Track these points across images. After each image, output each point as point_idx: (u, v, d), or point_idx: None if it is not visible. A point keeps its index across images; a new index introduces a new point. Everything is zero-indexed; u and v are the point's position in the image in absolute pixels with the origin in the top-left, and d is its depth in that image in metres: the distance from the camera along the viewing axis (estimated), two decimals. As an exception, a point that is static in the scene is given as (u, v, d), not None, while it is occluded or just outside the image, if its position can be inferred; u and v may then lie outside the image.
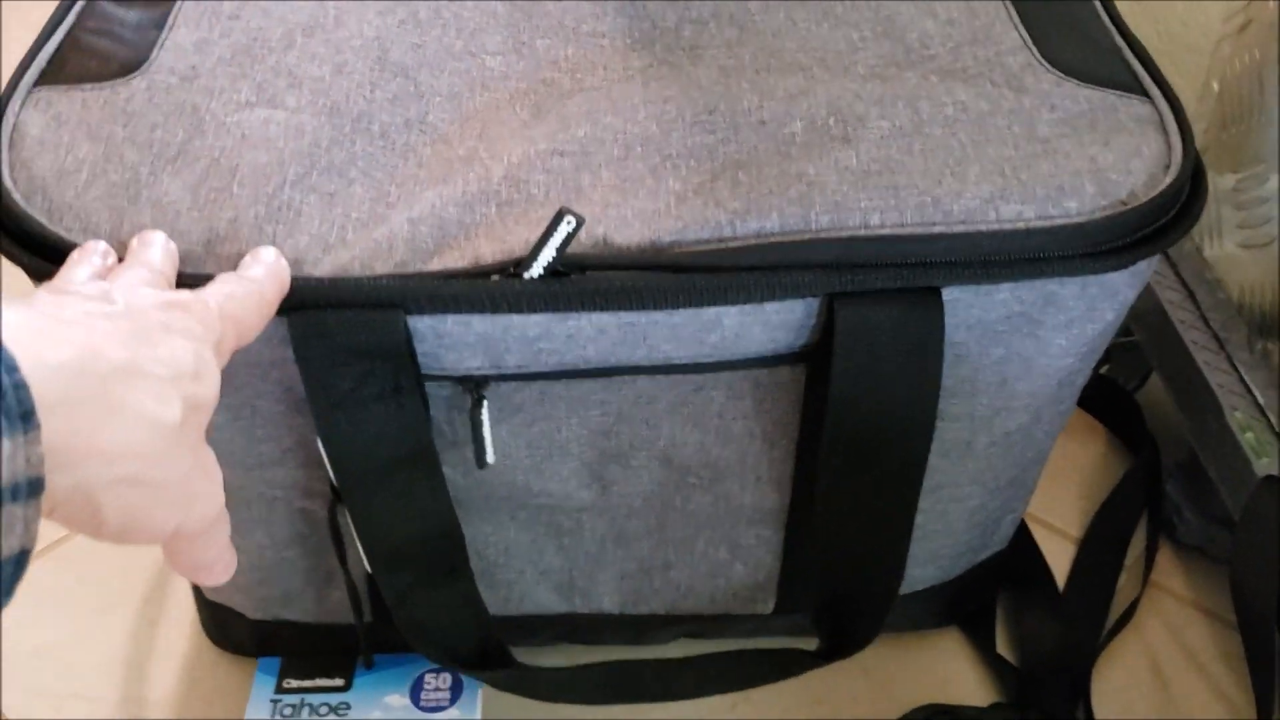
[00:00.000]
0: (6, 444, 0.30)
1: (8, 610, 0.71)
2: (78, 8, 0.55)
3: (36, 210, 0.47)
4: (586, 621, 0.64)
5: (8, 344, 0.31)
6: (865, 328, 0.46)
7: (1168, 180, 0.47)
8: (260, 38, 0.55)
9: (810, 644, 0.70)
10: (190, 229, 0.47)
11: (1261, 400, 0.71)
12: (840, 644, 0.58)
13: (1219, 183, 0.76)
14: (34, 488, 0.31)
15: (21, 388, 0.31)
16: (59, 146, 0.49)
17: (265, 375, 0.50)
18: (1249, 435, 0.70)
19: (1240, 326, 0.75)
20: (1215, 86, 0.76)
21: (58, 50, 0.53)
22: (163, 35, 0.55)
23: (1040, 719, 0.65)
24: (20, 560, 0.31)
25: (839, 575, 0.54)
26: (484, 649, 0.57)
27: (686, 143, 0.50)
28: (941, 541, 0.61)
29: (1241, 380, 0.73)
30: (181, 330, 0.39)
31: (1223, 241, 0.76)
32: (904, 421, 0.48)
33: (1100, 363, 0.86)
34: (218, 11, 0.56)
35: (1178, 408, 0.76)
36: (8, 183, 0.48)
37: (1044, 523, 0.80)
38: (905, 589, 0.64)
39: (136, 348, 0.36)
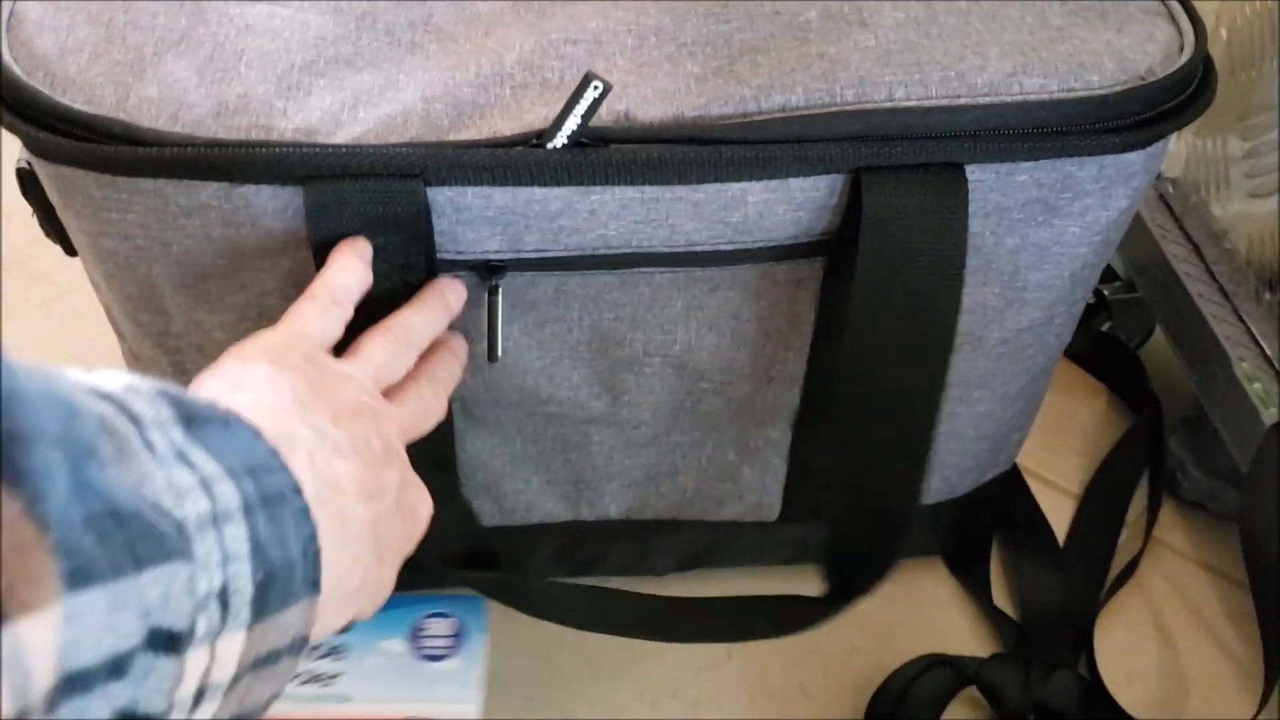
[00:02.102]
0: (304, 607, 0.35)
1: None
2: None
3: (39, 84, 0.49)
4: (591, 530, 0.66)
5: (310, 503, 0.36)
6: (892, 203, 0.50)
7: (1184, 59, 0.52)
8: (257, -58, 0.58)
9: (818, 569, 0.74)
10: (199, 103, 0.49)
11: (1269, 351, 0.76)
12: (848, 583, 0.61)
13: (1227, 130, 0.81)
14: (303, 644, 0.36)
15: (318, 555, 0.35)
16: (59, 29, 0.52)
17: (275, 267, 0.52)
18: (1257, 385, 0.75)
19: (1247, 278, 0.79)
20: (1224, 34, 0.81)
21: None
22: (158, -66, 0.58)
23: (1043, 670, 0.68)
24: (270, 703, 0.36)
25: (856, 479, 0.57)
26: (472, 550, 0.59)
27: (702, 31, 0.54)
28: (948, 446, 0.64)
29: (1248, 331, 0.78)
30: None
31: (1231, 199, 0.81)
32: (929, 300, 0.51)
33: (1103, 320, 0.91)
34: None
35: (1183, 361, 0.81)
36: (8, 59, 0.50)
37: (1044, 479, 0.83)
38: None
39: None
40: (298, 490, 0.35)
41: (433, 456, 0.57)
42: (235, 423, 0.35)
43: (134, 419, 0.31)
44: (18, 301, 0.93)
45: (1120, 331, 0.91)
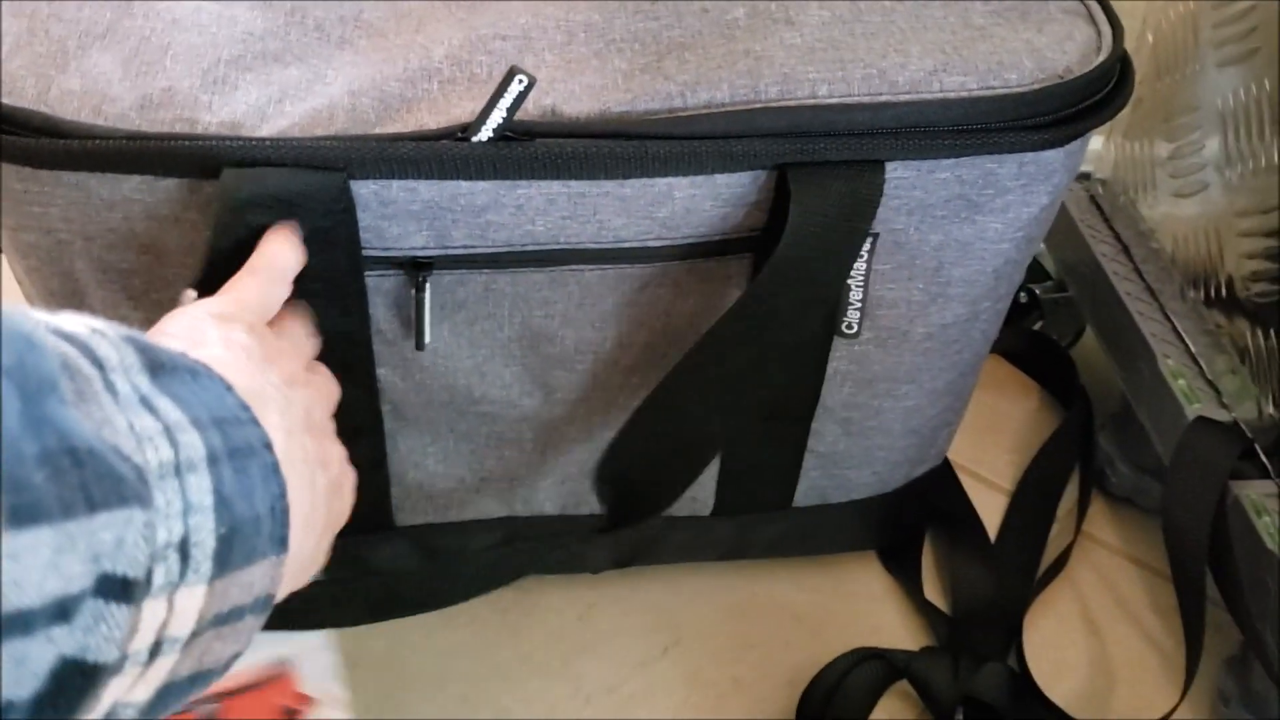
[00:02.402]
0: (270, 565, 0.34)
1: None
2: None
3: (-43, 75, 0.49)
4: (525, 525, 0.66)
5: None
6: (818, 198, 0.50)
7: (1100, 58, 0.52)
8: (187, -63, 0.58)
9: (753, 565, 0.75)
10: (123, 95, 0.49)
11: (1193, 348, 0.77)
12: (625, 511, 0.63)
13: (1153, 131, 0.83)
14: (269, 602, 0.35)
15: (286, 512, 0.35)
16: (-21, 22, 0.51)
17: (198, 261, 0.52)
18: (1181, 382, 0.76)
19: (1172, 278, 0.81)
20: (1150, 38, 0.83)
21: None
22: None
23: (973, 662, 0.69)
24: (232, 662, 0.35)
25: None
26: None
27: (630, 28, 0.54)
28: (877, 441, 0.65)
29: (1174, 329, 0.79)
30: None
31: (1158, 200, 0.83)
32: (824, 284, 0.53)
33: (1035, 319, 0.92)
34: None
35: (1111, 358, 0.82)
36: (-75, 51, 0.49)
37: (976, 475, 0.84)
38: (843, 496, 0.68)
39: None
40: (268, 445, 0.35)
41: (364, 457, 0.57)
42: (204, 374, 0.34)
43: (98, 362, 0.30)
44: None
45: (1052, 330, 0.93)
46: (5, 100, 0.48)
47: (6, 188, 0.49)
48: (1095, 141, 0.91)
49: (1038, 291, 0.93)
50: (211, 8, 0.54)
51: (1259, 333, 0.71)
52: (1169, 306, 0.80)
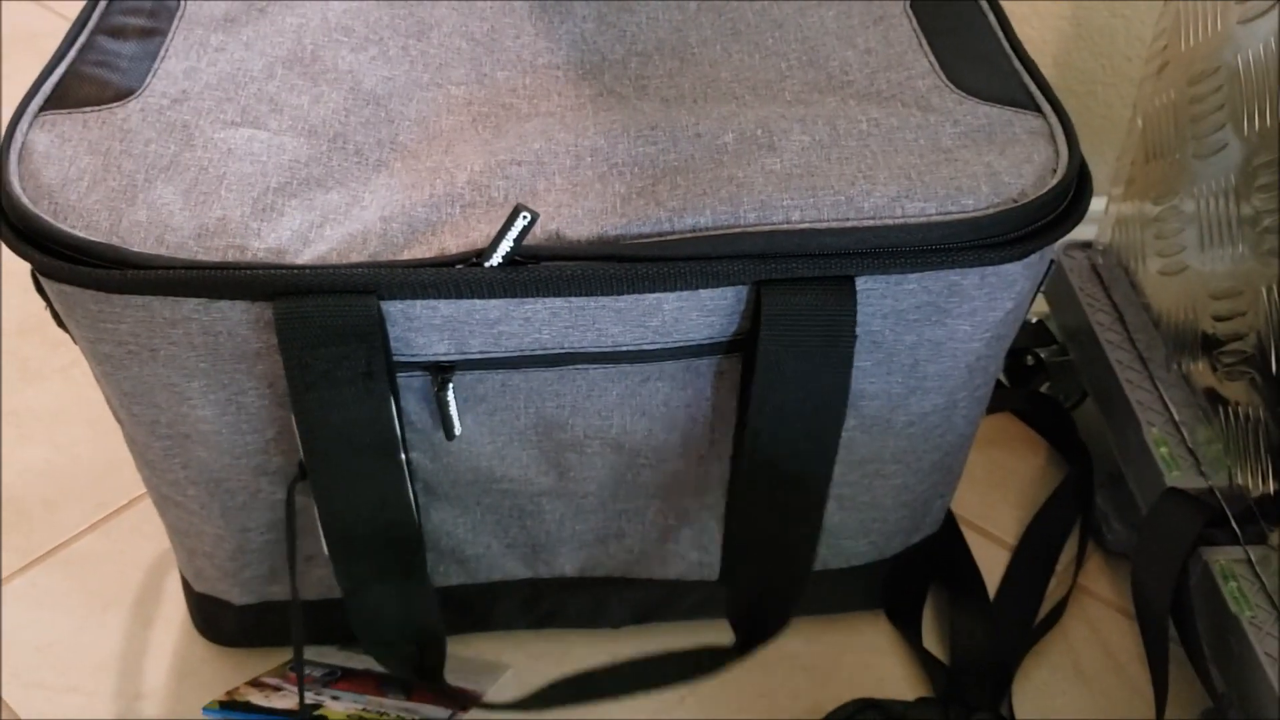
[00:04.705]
0: None
1: (11, 611, 0.79)
2: (79, 43, 0.64)
3: (43, 211, 0.55)
4: (547, 586, 0.72)
5: None
6: (788, 311, 0.55)
7: (1054, 181, 0.56)
8: (244, 68, 0.64)
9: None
10: (183, 225, 0.55)
11: (1177, 417, 0.80)
12: (752, 634, 0.66)
13: (1144, 209, 0.85)
14: None
15: None
16: (63, 160, 0.57)
17: (250, 369, 0.57)
18: (1164, 450, 0.79)
19: (1161, 346, 0.84)
20: (1139, 122, 0.86)
21: (60, 80, 0.62)
22: (155, 64, 0.63)
23: (962, 713, 0.72)
24: None
25: (759, 553, 0.62)
26: (422, 660, 0.65)
27: (631, 153, 0.59)
28: (871, 515, 0.69)
29: (1160, 398, 0.82)
30: None
31: (1146, 266, 0.86)
32: (820, 396, 0.56)
33: (1041, 380, 0.95)
34: (205, 44, 0.65)
35: (1105, 422, 0.85)
36: (17, 190, 0.56)
37: (981, 530, 0.88)
38: (842, 563, 0.72)
39: None
40: None
41: (395, 562, 0.62)
42: None
43: None
44: (38, 364, 0.98)
45: (1057, 391, 0.95)
46: (82, 234, 0.54)
47: (84, 308, 0.55)
48: (1097, 204, 0.94)
49: (1043, 355, 0.96)
50: (262, 136, 0.60)
51: (1231, 407, 0.74)
52: (1158, 375, 0.83)
